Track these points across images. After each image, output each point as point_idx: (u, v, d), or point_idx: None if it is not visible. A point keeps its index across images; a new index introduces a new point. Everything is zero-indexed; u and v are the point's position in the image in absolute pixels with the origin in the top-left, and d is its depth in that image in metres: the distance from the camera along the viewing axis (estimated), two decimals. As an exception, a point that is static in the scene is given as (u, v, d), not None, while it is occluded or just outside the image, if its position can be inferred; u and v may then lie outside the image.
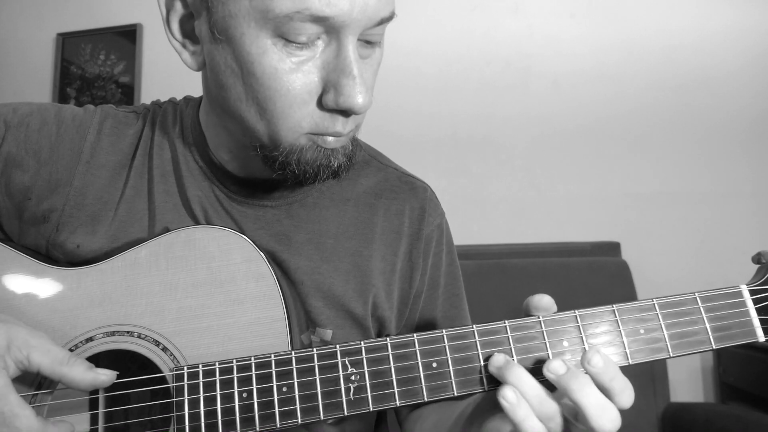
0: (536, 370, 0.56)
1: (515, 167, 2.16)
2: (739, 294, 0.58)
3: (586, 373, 0.52)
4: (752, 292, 0.58)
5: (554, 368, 0.53)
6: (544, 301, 0.58)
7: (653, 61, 2.08)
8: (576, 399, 0.51)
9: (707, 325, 0.57)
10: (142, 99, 2.43)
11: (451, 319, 0.84)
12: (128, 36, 2.46)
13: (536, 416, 0.52)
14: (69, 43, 2.51)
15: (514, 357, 0.57)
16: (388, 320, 0.79)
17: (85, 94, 2.49)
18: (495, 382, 0.56)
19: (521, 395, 0.52)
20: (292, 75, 0.59)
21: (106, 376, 0.58)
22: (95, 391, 0.67)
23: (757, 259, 0.61)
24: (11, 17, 2.58)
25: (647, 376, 1.71)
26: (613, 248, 1.99)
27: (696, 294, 0.58)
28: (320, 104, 0.61)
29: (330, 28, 0.57)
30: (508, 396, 0.52)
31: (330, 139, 0.64)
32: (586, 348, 0.57)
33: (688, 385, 2.01)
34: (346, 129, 0.64)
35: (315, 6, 0.55)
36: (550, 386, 0.54)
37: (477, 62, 2.20)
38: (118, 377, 0.61)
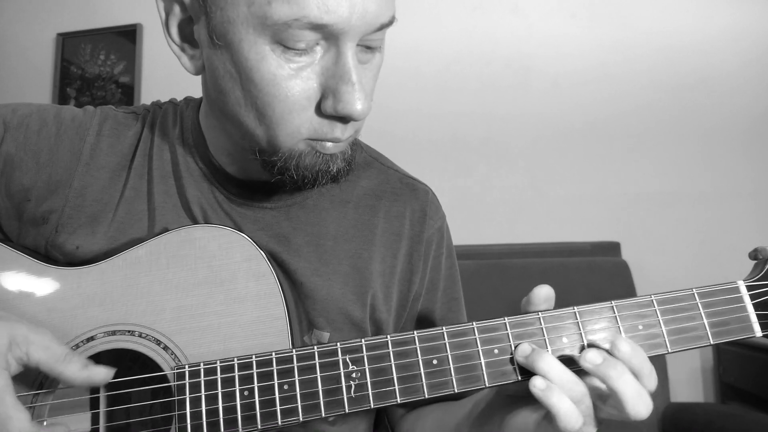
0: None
1: (515, 167, 2.16)
2: (737, 290, 0.59)
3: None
4: (749, 288, 0.59)
5: (591, 358, 0.53)
6: (543, 290, 0.58)
7: (653, 61, 2.08)
8: (614, 387, 0.52)
9: (705, 321, 0.58)
10: (142, 99, 2.43)
11: (449, 322, 0.84)
12: (128, 36, 2.47)
13: (569, 399, 0.53)
14: (69, 43, 2.52)
15: (515, 355, 0.57)
16: (386, 323, 0.78)
17: (85, 94, 2.49)
18: (496, 379, 0.56)
19: (551, 381, 0.53)
20: (290, 81, 0.59)
21: (101, 375, 0.58)
22: (96, 390, 0.67)
23: (753, 255, 0.61)
24: (11, 17, 2.58)
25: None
26: (613, 248, 1.99)
27: (694, 290, 0.58)
28: (319, 110, 0.61)
29: (329, 34, 0.57)
30: (537, 383, 0.53)
31: (329, 144, 0.64)
32: (585, 344, 0.57)
33: (688, 385, 2.01)
34: (345, 135, 0.64)
35: (313, 13, 0.54)
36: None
37: (477, 62, 2.20)
38: (120, 376, 0.61)
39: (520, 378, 0.56)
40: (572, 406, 0.52)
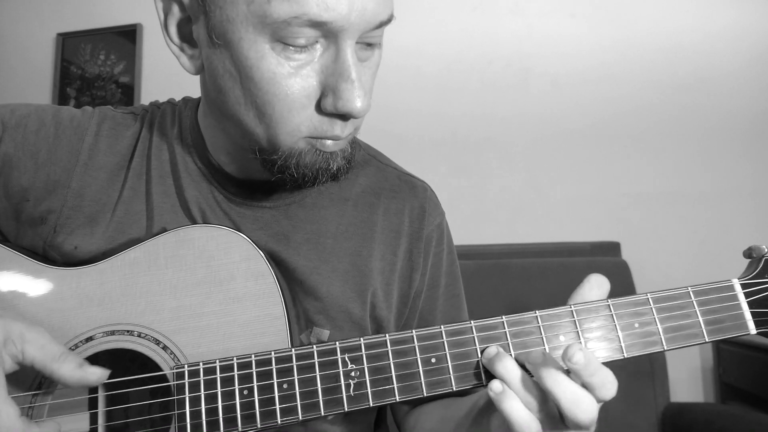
0: None
1: (515, 167, 2.16)
2: (731, 288, 0.59)
3: (567, 369, 0.52)
4: (744, 286, 0.59)
5: (533, 358, 0.53)
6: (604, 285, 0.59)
7: (653, 61, 2.08)
8: (549, 389, 0.52)
9: (700, 319, 0.58)
10: (142, 99, 2.43)
11: (451, 319, 0.84)
12: (128, 36, 2.47)
13: (524, 406, 0.53)
14: (69, 43, 2.52)
15: (512, 352, 0.57)
16: (386, 320, 0.78)
17: (85, 94, 2.50)
18: (493, 377, 0.56)
19: (507, 385, 0.53)
20: (290, 79, 0.59)
21: (95, 375, 0.57)
22: (95, 390, 0.67)
23: (748, 253, 0.62)
24: (11, 17, 2.58)
25: (647, 375, 1.71)
26: (613, 248, 1.99)
27: (689, 288, 0.59)
28: (319, 108, 0.61)
29: (328, 32, 0.57)
30: (493, 386, 0.54)
31: (329, 142, 0.64)
32: (582, 343, 0.57)
33: (688, 385, 2.01)
34: (345, 132, 0.64)
35: (313, 11, 0.55)
36: None
37: (477, 62, 2.20)
38: (119, 376, 0.61)
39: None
40: (525, 413, 0.53)
